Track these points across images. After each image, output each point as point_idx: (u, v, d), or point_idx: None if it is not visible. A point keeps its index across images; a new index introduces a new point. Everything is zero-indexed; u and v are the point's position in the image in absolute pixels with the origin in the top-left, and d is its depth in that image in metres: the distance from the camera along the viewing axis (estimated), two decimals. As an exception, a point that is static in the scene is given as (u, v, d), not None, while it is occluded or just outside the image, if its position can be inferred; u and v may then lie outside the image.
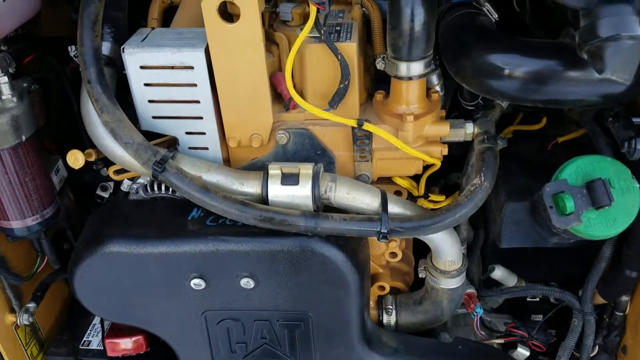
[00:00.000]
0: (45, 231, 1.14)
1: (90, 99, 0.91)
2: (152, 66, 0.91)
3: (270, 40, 0.97)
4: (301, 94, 0.97)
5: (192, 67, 0.91)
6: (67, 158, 0.97)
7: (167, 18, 1.26)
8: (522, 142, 1.22)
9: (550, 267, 1.31)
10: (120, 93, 0.98)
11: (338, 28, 0.98)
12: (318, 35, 0.92)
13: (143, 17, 1.26)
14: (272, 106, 0.98)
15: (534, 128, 1.22)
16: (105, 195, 1.32)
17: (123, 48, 0.91)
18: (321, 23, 0.90)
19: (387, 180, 1.07)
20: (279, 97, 0.99)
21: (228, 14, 0.91)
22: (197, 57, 0.90)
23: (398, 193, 1.11)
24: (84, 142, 1.03)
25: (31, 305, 1.22)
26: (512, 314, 1.33)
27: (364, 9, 1.05)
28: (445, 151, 1.00)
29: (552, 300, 1.29)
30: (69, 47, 1.01)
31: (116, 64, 0.98)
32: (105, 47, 0.97)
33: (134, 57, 0.90)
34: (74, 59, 1.02)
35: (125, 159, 0.95)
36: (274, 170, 0.94)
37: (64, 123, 1.27)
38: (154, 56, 0.90)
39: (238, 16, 0.88)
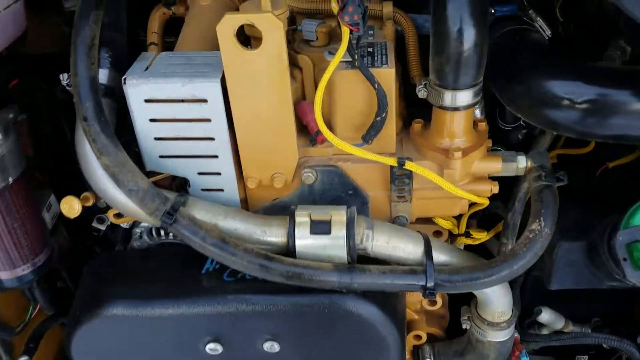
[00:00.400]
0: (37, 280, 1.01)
1: (87, 138, 0.77)
2: (159, 99, 0.78)
3: (292, 64, 0.84)
4: (328, 125, 0.84)
5: (205, 100, 0.78)
6: (61, 206, 0.84)
7: (168, 30, 1.14)
8: (567, 166, 1.10)
9: (594, 303, 1.20)
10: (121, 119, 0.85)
11: (370, 49, 0.85)
12: (350, 59, 0.79)
13: (142, 28, 1.13)
14: (297, 140, 0.85)
15: (582, 152, 1.09)
16: (102, 227, 1.19)
17: (124, 79, 0.77)
18: (354, 46, 0.77)
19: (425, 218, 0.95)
20: (303, 128, 0.87)
21: (246, 37, 0.78)
22: (211, 89, 0.77)
23: (437, 233, 0.98)
24: (79, 172, 0.90)
25: (24, 359, 1.08)
26: (555, 355, 1.22)
27: (396, 25, 0.92)
28: (496, 189, 0.88)
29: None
30: (61, 75, 0.88)
31: (115, 94, 0.85)
32: (103, 75, 0.84)
33: (138, 90, 0.77)
34: (67, 88, 0.88)
35: (128, 206, 0.82)
36: (302, 217, 0.81)
37: (56, 149, 1.14)
38: (161, 88, 0.77)
39: (258, 39, 0.75)
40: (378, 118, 0.80)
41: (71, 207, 0.83)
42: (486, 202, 0.89)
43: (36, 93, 1.05)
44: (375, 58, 0.82)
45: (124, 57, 0.87)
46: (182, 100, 0.78)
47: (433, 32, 0.77)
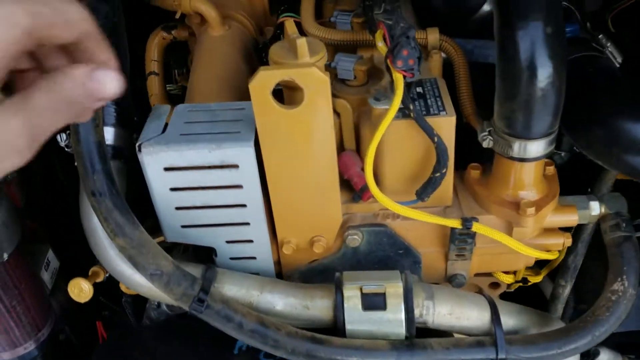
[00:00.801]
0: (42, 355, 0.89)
1: (97, 216, 0.65)
2: (181, 167, 0.66)
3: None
4: (374, 177, 0.72)
5: (236, 166, 0.66)
6: (69, 290, 0.72)
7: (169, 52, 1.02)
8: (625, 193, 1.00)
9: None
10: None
11: (420, 89, 0.73)
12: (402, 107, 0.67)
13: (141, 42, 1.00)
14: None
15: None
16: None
17: (139, 146, 0.65)
18: (408, 94, 0.65)
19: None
20: (344, 183, 0.75)
21: (280, 90, 0.66)
22: (244, 154, 0.65)
23: (494, 285, 0.88)
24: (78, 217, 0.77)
25: None
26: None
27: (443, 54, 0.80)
28: (569, 242, 0.77)
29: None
30: (58, 135, 0.75)
31: (124, 154, 0.73)
32: (109, 134, 0.71)
33: (156, 158, 0.65)
34: (66, 149, 0.75)
35: (148, 288, 0.70)
36: (351, 290, 0.70)
37: (49, 196, 1.02)
38: (184, 156, 0.65)
39: (295, 89, 0.63)
40: (437, 174, 0.68)
41: (81, 290, 0.72)
42: (556, 256, 0.79)
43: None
44: (429, 102, 0.71)
45: (130, 109, 0.74)
46: (209, 167, 0.66)
47: (501, 73, 0.65)
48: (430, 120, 0.67)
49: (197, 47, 0.86)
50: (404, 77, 0.64)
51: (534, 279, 0.91)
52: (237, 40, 0.86)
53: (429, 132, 0.66)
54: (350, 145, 0.76)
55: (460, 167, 0.77)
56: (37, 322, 0.85)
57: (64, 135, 0.74)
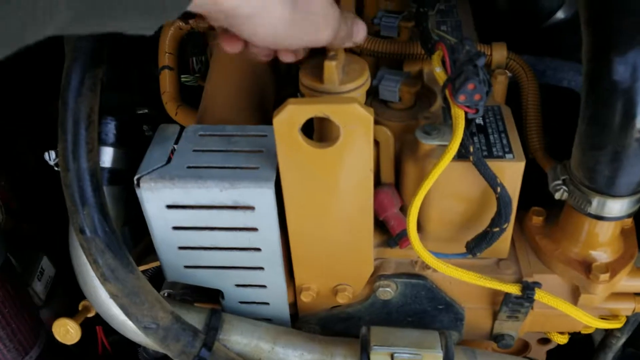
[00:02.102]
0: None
1: (86, 257, 0.55)
2: (187, 206, 0.55)
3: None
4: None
5: (252, 208, 0.54)
6: (54, 331, 0.62)
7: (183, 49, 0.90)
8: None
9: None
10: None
11: (480, 121, 0.60)
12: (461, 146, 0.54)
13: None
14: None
15: None
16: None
17: (137, 180, 0.53)
18: (469, 134, 0.53)
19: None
20: (378, 222, 0.63)
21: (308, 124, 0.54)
22: (262, 196, 0.53)
23: (544, 341, 0.76)
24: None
25: None
26: None
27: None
28: (640, 308, 0.65)
29: None
30: (46, 153, 0.64)
31: (123, 177, 0.62)
32: (106, 156, 0.60)
33: (157, 195, 0.54)
34: (55, 168, 0.64)
35: (143, 337, 0.60)
36: (380, 356, 0.59)
37: (43, 195, 0.93)
38: (190, 194, 0.53)
39: (327, 120, 0.51)
40: (496, 229, 0.56)
41: (67, 332, 0.62)
42: (623, 322, 0.67)
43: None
44: (491, 138, 0.58)
45: (131, 125, 0.63)
46: (220, 207, 0.55)
47: (587, 115, 0.52)
48: (493, 164, 0.54)
49: (216, 48, 0.74)
50: (466, 113, 0.51)
51: (587, 331, 0.79)
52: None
53: (491, 180, 0.54)
54: (388, 178, 0.64)
55: (520, 205, 0.65)
56: (25, 344, 0.77)
57: (52, 153, 0.63)
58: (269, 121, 0.50)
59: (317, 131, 0.56)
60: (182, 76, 0.98)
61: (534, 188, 0.64)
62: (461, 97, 0.50)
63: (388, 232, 0.63)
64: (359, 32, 0.52)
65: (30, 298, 0.81)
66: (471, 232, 0.59)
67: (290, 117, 0.47)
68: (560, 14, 0.76)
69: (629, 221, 0.64)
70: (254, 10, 0.40)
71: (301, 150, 0.50)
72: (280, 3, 0.41)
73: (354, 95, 0.52)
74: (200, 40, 0.98)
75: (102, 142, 0.60)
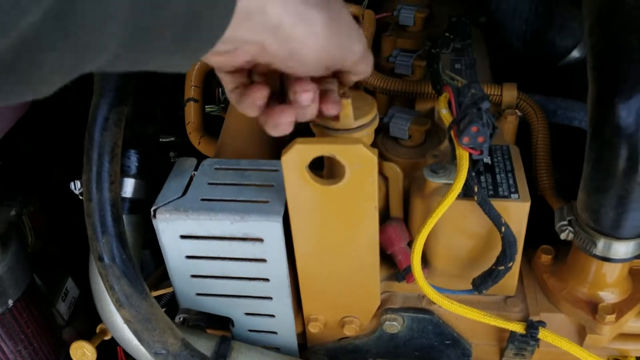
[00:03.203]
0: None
1: (103, 283, 0.57)
2: (199, 236, 0.57)
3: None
4: (423, 255, 0.61)
5: (261, 240, 0.56)
6: (71, 353, 0.65)
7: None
8: None
9: None
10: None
11: (488, 159, 0.61)
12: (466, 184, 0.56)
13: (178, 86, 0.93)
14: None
15: None
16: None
17: (154, 211, 0.56)
18: (473, 175, 0.54)
19: None
20: (386, 256, 0.64)
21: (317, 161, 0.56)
22: (271, 229, 0.55)
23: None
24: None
25: None
26: None
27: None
28: (652, 354, 0.64)
29: None
30: (72, 183, 0.67)
31: (143, 206, 0.65)
32: (128, 186, 0.64)
33: (172, 225, 0.56)
34: (80, 197, 0.68)
35: (156, 362, 0.62)
36: (386, 389, 0.60)
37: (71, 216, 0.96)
38: (202, 225, 0.56)
39: (332, 157, 0.53)
40: (501, 267, 0.57)
41: (83, 354, 0.64)
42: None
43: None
44: (498, 178, 0.59)
45: (154, 157, 0.66)
46: (231, 238, 0.57)
47: (592, 158, 0.53)
48: (498, 204, 0.55)
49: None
50: (470, 154, 0.53)
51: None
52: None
53: (496, 220, 0.55)
54: (397, 213, 0.65)
55: (530, 242, 0.65)
56: (46, 363, 0.80)
57: (77, 183, 0.66)
58: (283, 154, 0.52)
59: (327, 166, 0.58)
60: (207, 106, 1.02)
61: (545, 225, 0.64)
62: (465, 139, 0.51)
63: (396, 266, 0.64)
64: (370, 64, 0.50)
65: (53, 318, 0.84)
66: (478, 268, 0.60)
67: (298, 156, 0.49)
68: (575, 53, 0.77)
69: (639, 262, 0.63)
70: (296, 19, 0.39)
71: (308, 187, 0.52)
72: (316, 9, 0.40)
73: (362, 134, 0.54)
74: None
75: (125, 174, 0.63)
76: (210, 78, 0.98)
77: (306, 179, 0.51)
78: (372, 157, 0.49)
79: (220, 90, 1.08)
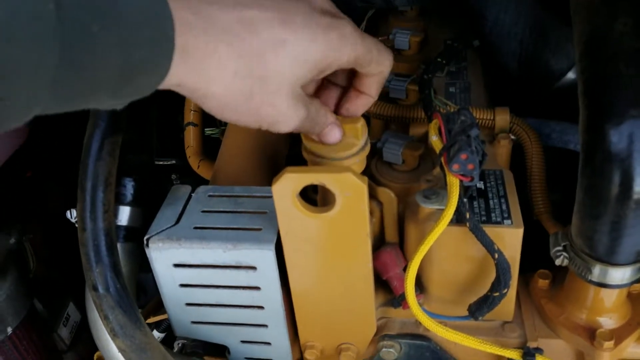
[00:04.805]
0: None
1: (97, 312, 0.58)
2: (192, 265, 0.57)
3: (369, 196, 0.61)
4: (417, 281, 0.61)
5: (254, 268, 0.56)
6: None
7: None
8: None
9: None
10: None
11: (481, 184, 0.61)
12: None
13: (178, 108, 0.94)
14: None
15: None
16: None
17: (147, 240, 0.57)
18: (465, 201, 0.54)
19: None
20: (382, 283, 0.64)
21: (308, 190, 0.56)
22: (263, 257, 0.55)
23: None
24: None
25: None
26: None
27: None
28: (653, 379, 0.63)
29: None
30: (68, 212, 0.68)
31: (139, 235, 0.65)
32: (123, 215, 0.64)
33: (165, 254, 0.57)
34: (75, 225, 0.68)
35: (152, 390, 0.62)
36: (382, 418, 0.59)
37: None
38: (195, 254, 0.56)
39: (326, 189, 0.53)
40: (496, 294, 0.57)
41: (80, 382, 0.64)
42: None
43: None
44: (491, 203, 0.59)
45: (150, 185, 0.66)
46: (224, 266, 0.57)
47: (584, 185, 0.52)
48: (491, 230, 0.55)
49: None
50: (461, 180, 0.53)
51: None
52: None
53: (489, 247, 0.54)
54: (392, 238, 0.65)
55: (526, 266, 0.65)
56: (46, 389, 0.80)
57: (74, 212, 0.67)
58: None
59: (320, 192, 0.59)
60: (207, 129, 1.03)
61: (543, 249, 0.64)
62: (455, 166, 0.51)
63: (393, 292, 0.64)
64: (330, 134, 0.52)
65: (54, 344, 0.85)
66: (474, 294, 0.60)
67: (288, 185, 0.49)
68: (571, 75, 0.77)
69: (638, 285, 0.63)
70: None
71: (299, 216, 0.52)
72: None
73: (352, 161, 0.54)
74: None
75: (120, 202, 0.63)
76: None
77: (297, 207, 0.51)
78: (361, 185, 0.49)
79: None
